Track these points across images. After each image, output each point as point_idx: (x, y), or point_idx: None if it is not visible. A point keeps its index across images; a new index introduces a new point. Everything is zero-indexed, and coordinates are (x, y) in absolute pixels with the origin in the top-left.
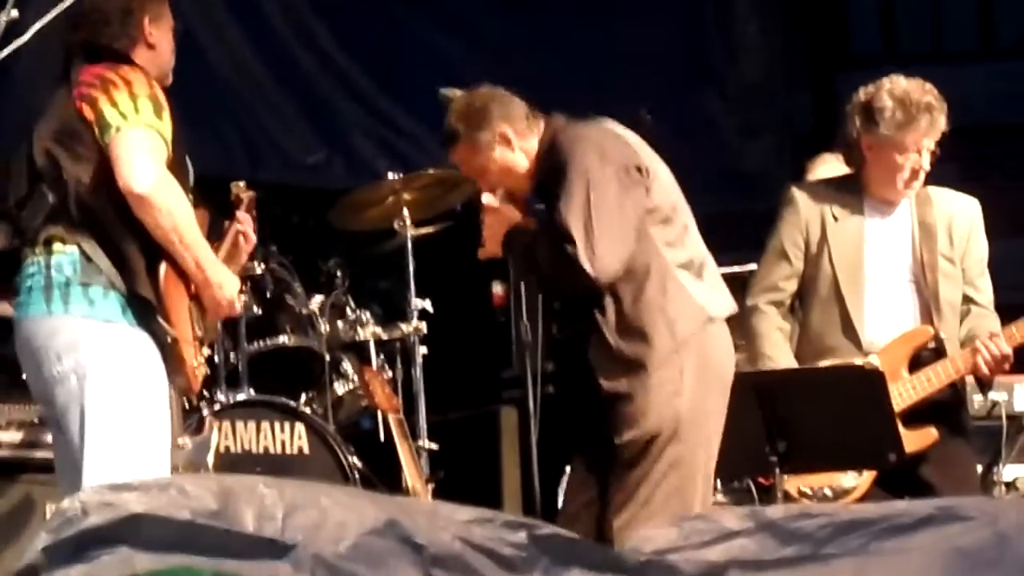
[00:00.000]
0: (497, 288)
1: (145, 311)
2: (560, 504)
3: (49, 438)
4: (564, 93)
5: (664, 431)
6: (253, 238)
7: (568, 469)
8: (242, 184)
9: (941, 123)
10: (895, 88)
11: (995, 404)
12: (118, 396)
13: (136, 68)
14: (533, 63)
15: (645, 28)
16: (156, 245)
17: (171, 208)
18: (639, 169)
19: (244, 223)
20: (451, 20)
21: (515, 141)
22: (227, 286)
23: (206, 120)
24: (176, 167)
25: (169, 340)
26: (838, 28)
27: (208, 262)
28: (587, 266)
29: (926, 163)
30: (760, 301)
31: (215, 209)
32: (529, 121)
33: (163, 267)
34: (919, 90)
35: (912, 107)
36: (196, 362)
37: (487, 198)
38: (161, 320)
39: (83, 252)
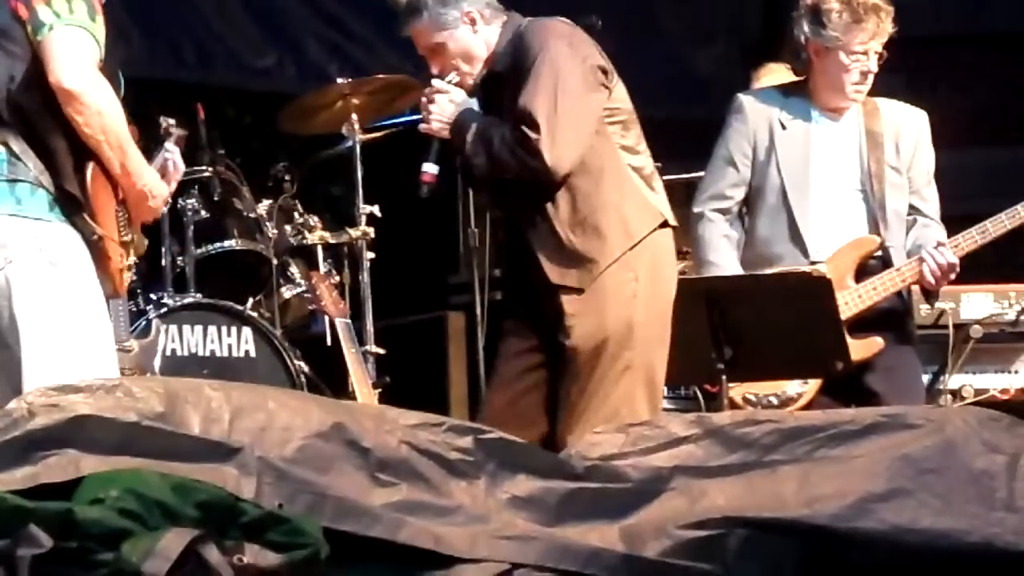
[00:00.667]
0: (430, 168)
1: (72, 209)
2: (486, 400)
3: None
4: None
5: (616, 334)
6: (181, 167)
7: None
8: (172, 121)
9: (888, 26)
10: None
11: (942, 313)
12: (48, 292)
13: None
14: None
15: None
16: (84, 144)
17: (101, 108)
18: (603, 70)
19: (172, 153)
20: None
21: (480, 24)
22: (155, 190)
23: (157, 24)
24: (107, 76)
25: (95, 238)
26: None
27: (136, 165)
28: (546, 154)
29: (874, 66)
30: (706, 208)
31: (162, 112)
32: (493, 9)
33: (90, 166)
34: None
35: (859, 8)
36: (123, 265)
37: (437, 81)
38: (87, 218)
39: (10, 150)
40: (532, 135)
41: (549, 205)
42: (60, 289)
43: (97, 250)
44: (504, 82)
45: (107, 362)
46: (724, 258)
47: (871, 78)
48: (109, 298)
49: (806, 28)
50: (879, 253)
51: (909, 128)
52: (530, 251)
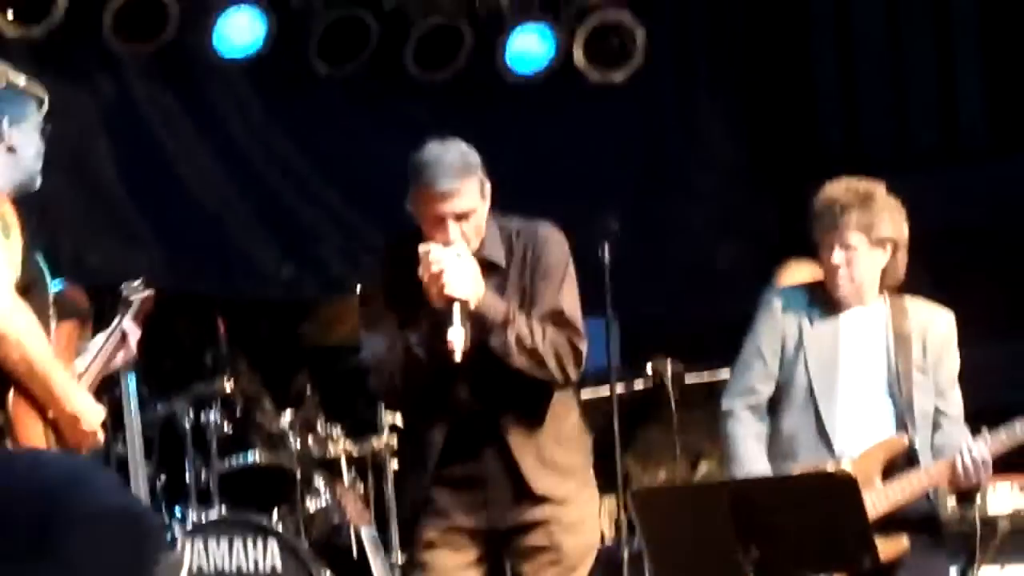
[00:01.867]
0: (457, 335)
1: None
2: None
3: None
4: (532, 199)
5: (596, 545)
6: (132, 345)
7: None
8: (135, 284)
9: (859, 219)
10: (831, 190)
11: (969, 506)
12: None
13: None
14: (498, 171)
15: (608, 134)
16: (3, 372)
17: (20, 338)
18: None
19: (128, 328)
20: (415, 133)
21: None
22: (86, 416)
23: (177, 235)
24: (31, 288)
25: None
26: (805, 134)
27: (63, 391)
28: (581, 364)
29: (839, 259)
30: (736, 406)
31: (184, 323)
32: None
33: (11, 394)
34: (842, 186)
35: (823, 199)
36: None
37: (457, 247)
38: (9, 445)
39: None
40: (580, 346)
41: (538, 414)
42: None
43: None
44: (499, 273)
45: None
46: (752, 456)
47: (850, 271)
48: None
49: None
50: (906, 454)
51: (936, 330)
52: (509, 455)
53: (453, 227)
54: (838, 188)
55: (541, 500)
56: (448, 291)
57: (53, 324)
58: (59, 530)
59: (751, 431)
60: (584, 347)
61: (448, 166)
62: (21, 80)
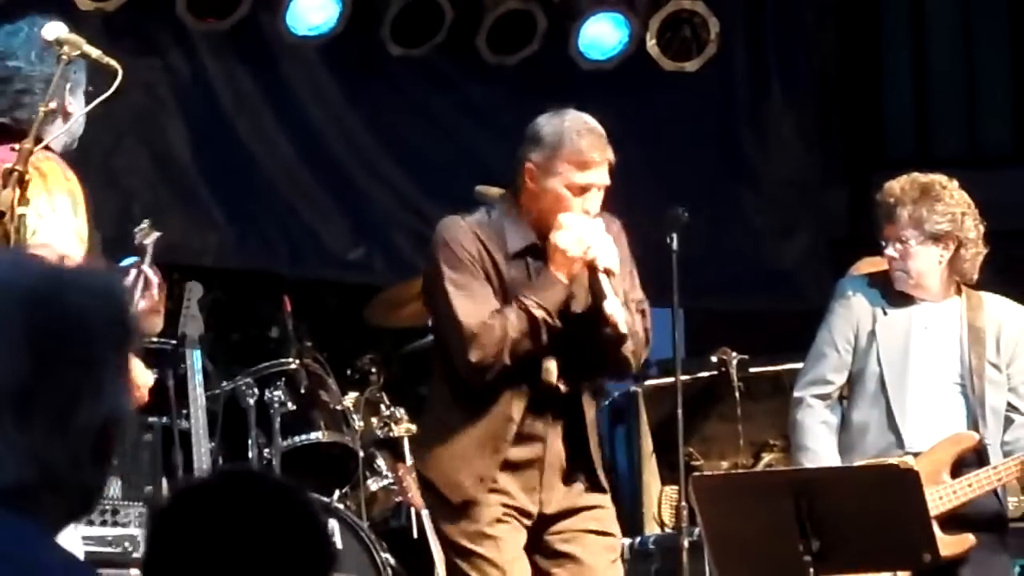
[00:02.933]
0: (616, 307)
1: None
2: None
3: None
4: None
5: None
6: (155, 292)
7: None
8: (143, 226)
9: (916, 213)
10: (892, 181)
11: None
12: None
13: (49, 155)
14: None
15: (679, 123)
16: None
17: None
18: None
19: (148, 274)
20: (484, 116)
21: None
22: (139, 380)
23: (248, 214)
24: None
25: None
26: (873, 129)
27: None
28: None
29: (893, 252)
30: (807, 394)
31: (254, 300)
32: None
33: None
34: (906, 181)
35: (885, 195)
36: None
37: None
38: None
39: None
40: (650, 339)
41: (588, 409)
42: None
43: None
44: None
45: None
46: (822, 445)
47: (906, 264)
48: None
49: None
50: (976, 450)
51: (1011, 326)
52: (580, 437)
53: (597, 197)
54: (898, 183)
55: (597, 485)
56: (598, 263)
57: None
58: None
59: (820, 420)
60: (649, 337)
61: (601, 136)
62: (95, 52)
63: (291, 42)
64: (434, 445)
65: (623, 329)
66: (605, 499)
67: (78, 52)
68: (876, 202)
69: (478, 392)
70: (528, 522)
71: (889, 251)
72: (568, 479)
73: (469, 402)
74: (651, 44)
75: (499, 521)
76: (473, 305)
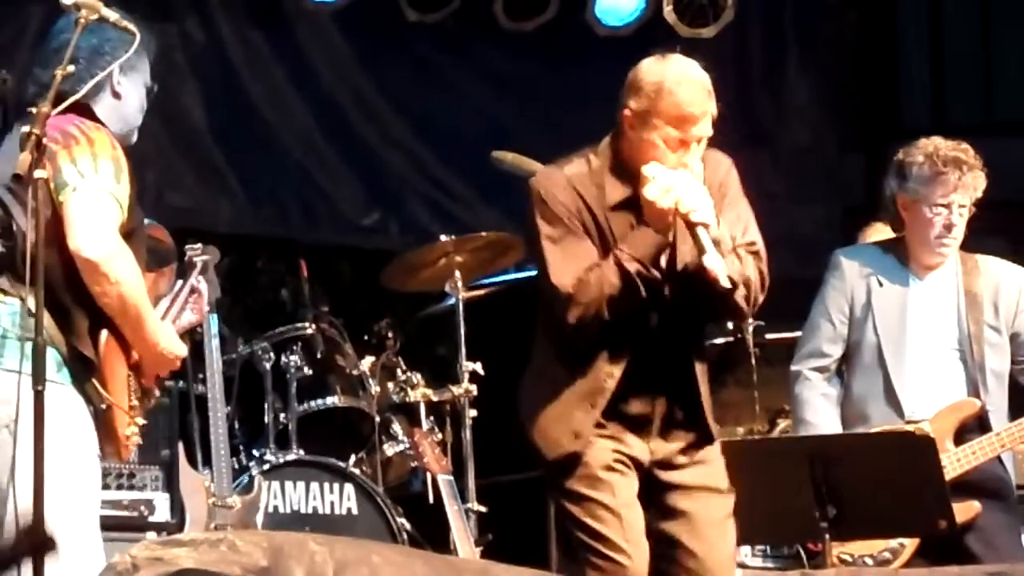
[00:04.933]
0: (716, 261)
1: (82, 373)
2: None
3: None
4: None
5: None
6: (203, 304)
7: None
8: (198, 247)
9: (972, 181)
10: (927, 145)
11: None
12: (47, 453)
13: (100, 126)
14: (584, 126)
15: None
16: (100, 310)
17: (120, 277)
18: None
19: (199, 286)
20: (501, 82)
21: None
22: (173, 351)
23: (262, 179)
24: (133, 233)
25: (103, 407)
26: (889, 97)
27: (153, 330)
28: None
29: (957, 220)
30: (804, 367)
31: (268, 266)
32: None
33: (104, 333)
34: (951, 146)
35: (939, 161)
36: (128, 432)
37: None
38: (97, 384)
39: (25, 306)
40: (767, 280)
41: (699, 364)
42: (55, 451)
43: (103, 417)
44: None
45: (91, 520)
46: (821, 417)
47: (958, 231)
48: (112, 460)
49: (892, 183)
50: (978, 416)
51: (1009, 286)
52: (691, 390)
53: (696, 150)
54: (948, 147)
55: (708, 438)
56: (691, 216)
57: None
58: None
59: (819, 392)
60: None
61: (703, 86)
62: (113, 16)
63: (307, 8)
64: (535, 401)
65: (725, 284)
66: (715, 451)
67: (96, 16)
68: (915, 164)
69: (575, 344)
70: (639, 473)
71: (954, 218)
72: (679, 431)
73: (570, 357)
74: (668, 10)
75: (611, 468)
76: (567, 263)
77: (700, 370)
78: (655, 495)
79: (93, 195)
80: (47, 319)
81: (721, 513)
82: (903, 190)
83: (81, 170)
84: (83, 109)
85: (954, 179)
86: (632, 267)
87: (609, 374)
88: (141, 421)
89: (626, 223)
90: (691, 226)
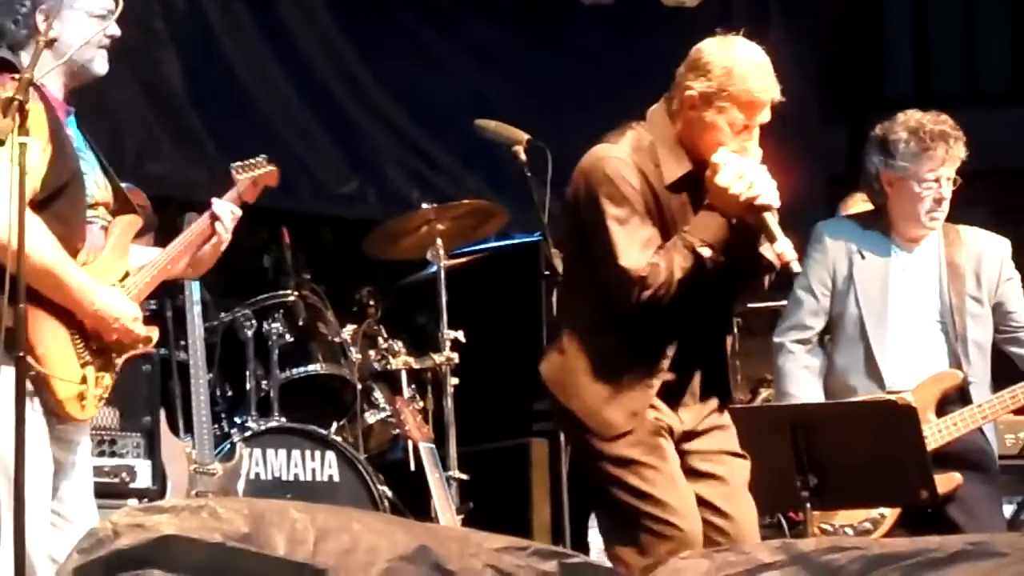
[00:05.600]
0: (788, 245)
1: (8, 344)
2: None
3: None
4: (597, 124)
5: None
6: (225, 235)
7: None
8: (249, 161)
9: (958, 151)
10: (909, 120)
11: None
12: None
13: (8, 79)
14: (569, 93)
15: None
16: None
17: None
18: None
19: (221, 212)
20: (483, 51)
21: None
22: (113, 311)
23: (241, 147)
24: (60, 189)
25: (32, 374)
26: (872, 68)
27: (80, 291)
28: None
29: (947, 192)
30: (786, 339)
31: (250, 234)
32: None
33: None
34: (933, 120)
35: (926, 136)
36: (77, 391)
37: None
38: (24, 354)
39: None
40: None
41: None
42: None
43: (40, 384)
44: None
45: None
46: (803, 390)
47: (946, 204)
48: (63, 422)
49: (876, 159)
50: (960, 388)
51: (991, 257)
52: (722, 363)
53: (756, 134)
54: (932, 120)
55: (726, 405)
56: (760, 200)
57: (101, 222)
58: None
59: (802, 365)
60: None
61: (770, 72)
62: None
63: None
64: (578, 375)
65: (797, 269)
66: (728, 417)
67: None
68: (901, 138)
69: (634, 325)
70: (673, 439)
71: (944, 191)
72: (705, 398)
73: (623, 334)
74: None
75: (659, 434)
76: (637, 246)
77: (728, 341)
78: (684, 461)
79: None
80: None
81: (746, 476)
82: (889, 167)
83: None
84: (7, 64)
85: (941, 153)
86: (705, 252)
87: (665, 355)
88: (104, 374)
89: (680, 202)
90: (760, 211)
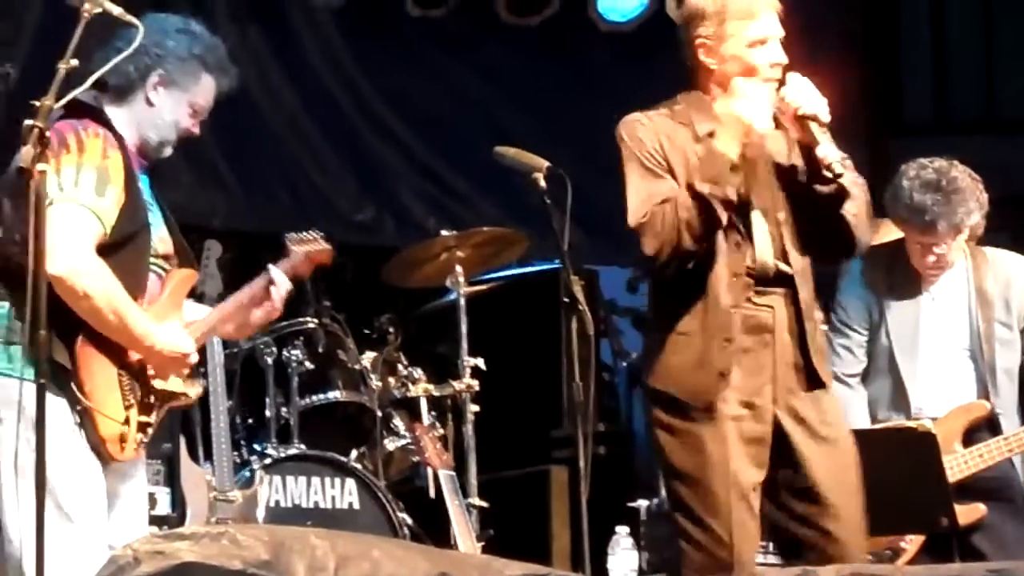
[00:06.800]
0: (830, 150)
1: (59, 376)
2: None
3: None
4: (615, 150)
5: None
6: (276, 298)
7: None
8: (303, 235)
9: (962, 217)
10: (914, 190)
11: None
12: (27, 455)
13: (99, 131)
14: (586, 117)
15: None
16: (75, 316)
17: (89, 291)
18: None
19: (277, 280)
20: (500, 77)
21: None
22: (173, 348)
23: (258, 176)
24: (128, 240)
25: (79, 408)
26: (892, 94)
27: (139, 330)
28: None
29: (944, 251)
30: (840, 372)
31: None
32: None
33: (79, 339)
34: (935, 191)
35: (926, 214)
36: (119, 432)
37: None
38: (74, 388)
39: (13, 310)
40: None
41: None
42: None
43: (86, 420)
44: None
45: (83, 527)
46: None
47: (946, 260)
48: (105, 461)
49: (889, 202)
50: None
51: (1019, 281)
52: (802, 328)
53: (779, 48)
54: (924, 192)
55: (820, 383)
56: (803, 111)
57: (159, 271)
58: None
59: (860, 395)
60: None
61: None
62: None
63: (306, 2)
64: (663, 356)
65: (839, 169)
66: (828, 395)
67: (99, 9)
68: (899, 202)
69: (690, 291)
70: (764, 418)
71: (929, 261)
72: (796, 370)
73: (686, 302)
74: (670, 6)
75: (734, 418)
76: (640, 199)
77: (806, 300)
78: (790, 427)
79: (66, 210)
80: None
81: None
82: (895, 217)
83: (62, 182)
84: (94, 112)
85: (943, 229)
86: (703, 188)
87: (729, 305)
88: (146, 419)
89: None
90: (804, 119)
